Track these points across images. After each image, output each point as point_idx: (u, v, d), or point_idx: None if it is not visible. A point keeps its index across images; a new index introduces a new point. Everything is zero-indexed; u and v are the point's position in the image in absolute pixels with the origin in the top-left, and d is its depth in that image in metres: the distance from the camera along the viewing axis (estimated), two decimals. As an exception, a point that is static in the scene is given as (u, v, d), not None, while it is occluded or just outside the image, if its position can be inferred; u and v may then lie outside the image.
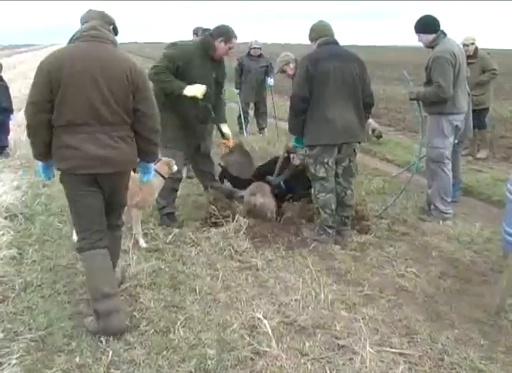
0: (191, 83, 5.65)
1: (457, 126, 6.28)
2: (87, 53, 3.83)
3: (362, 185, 7.66)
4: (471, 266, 5.13)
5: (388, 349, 3.71)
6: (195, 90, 5.64)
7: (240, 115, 11.64)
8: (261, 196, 6.10)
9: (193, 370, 3.52)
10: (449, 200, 6.37)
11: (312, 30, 5.65)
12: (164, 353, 3.69)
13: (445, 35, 6.17)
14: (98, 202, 4.00)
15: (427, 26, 6.20)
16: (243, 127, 11.51)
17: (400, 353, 3.66)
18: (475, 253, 5.42)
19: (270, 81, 11.35)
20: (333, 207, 5.58)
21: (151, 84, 4.56)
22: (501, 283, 4.30)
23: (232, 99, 12.36)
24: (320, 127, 5.38)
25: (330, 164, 5.47)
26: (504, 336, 3.91)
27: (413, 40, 6.43)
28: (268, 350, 3.65)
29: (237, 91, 11.65)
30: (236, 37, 5.97)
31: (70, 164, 3.82)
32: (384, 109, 16.37)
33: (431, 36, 6.15)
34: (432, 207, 6.41)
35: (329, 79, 5.32)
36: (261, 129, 11.66)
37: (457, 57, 6.00)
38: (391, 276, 4.90)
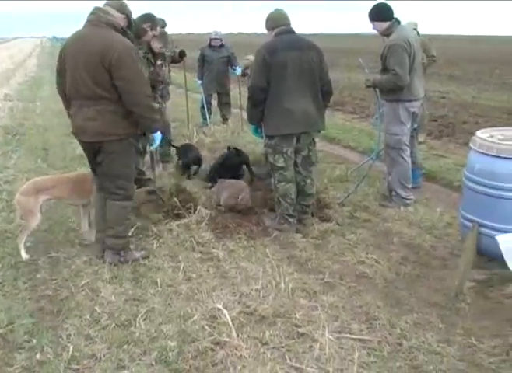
0: None
1: (413, 112, 6.33)
2: (78, 36, 4.58)
3: (325, 173, 7.67)
4: (432, 251, 5.18)
5: (348, 335, 3.74)
6: None
7: (203, 106, 11.56)
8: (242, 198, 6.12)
9: (154, 362, 3.52)
10: (409, 186, 6.43)
11: (268, 19, 5.60)
12: (125, 346, 3.69)
13: (399, 23, 6.20)
14: (93, 162, 4.83)
15: (381, 13, 6.21)
16: (207, 117, 11.44)
17: (359, 339, 3.70)
18: (435, 238, 5.48)
19: (238, 70, 11.24)
20: (293, 196, 5.59)
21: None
22: (459, 266, 4.35)
23: (195, 90, 12.34)
24: (278, 117, 5.37)
25: (289, 153, 5.47)
26: (462, 319, 3.96)
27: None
28: (228, 340, 3.65)
29: (200, 82, 11.57)
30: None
31: (72, 129, 4.80)
32: (349, 97, 16.44)
33: (385, 24, 6.17)
34: (393, 193, 6.46)
35: (287, 69, 5.29)
36: (224, 120, 11.60)
37: (411, 44, 6.03)
38: (351, 263, 4.93)
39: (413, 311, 4.08)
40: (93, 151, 4.76)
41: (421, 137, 10.03)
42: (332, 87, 5.72)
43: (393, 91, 6.14)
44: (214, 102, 12.07)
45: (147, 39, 6.03)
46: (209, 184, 7.11)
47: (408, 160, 6.39)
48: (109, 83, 4.43)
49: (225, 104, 11.73)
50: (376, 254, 5.06)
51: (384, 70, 6.18)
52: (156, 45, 6.32)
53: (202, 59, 11.33)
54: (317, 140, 5.84)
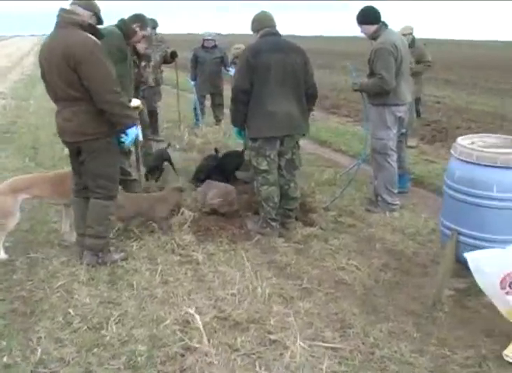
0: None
1: (400, 117, 6.28)
2: (48, 40, 4.60)
3: (313, 176, 7.62)
4: (414, 258, 5.12)
5: (320, 343, 3.68)
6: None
7: (195, 107, 11.50)
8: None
9: (122, 367, 3.48)
10: (395, 191, 6.38)
11: (254, 21, 5.56)
12: (95, 350, 3.64)
13: (386, 26, 6.16)
14: (75, 162, 4.85)
15: (368, 17, 6.17)
16: (200, 118, 11.38)
17: (331, 348, 3.64)
18: (418, 245, 5.42)
19: (231, 71, 11.17)
20: (276, 199, 5.54)
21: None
22: (438, 274, 4.30)
23: (190, 91, 12.28)
24: (261, 119, 5.32)
25: (272, 157, 5.42)
26: (438, 328, 3.90)
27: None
28: (198, 346, 3.61)
29: (193, 82, 11.52)
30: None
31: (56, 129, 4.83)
32: (344, 100, 16.39)
33: (373, 27, 6.13)
34: (379, 198, 6.40)
35: (270, 71, 5.24)
36: (217, 121, 11.54)
37: (398, 48, 5.98)
38: (331, 269, 4.87)
39: (389, 319, 4.03)
40: (75, 151, 4.80)
41: (413, 142, 10.02)
42: (317, 90, 5.67)
43: (379, 95, 6.10)
44: (207, 103, 12.00)
45: (136, 39, 5.94)
46: (195, 185, 7.05)
47: (395, 165, 6.34)
48: (78, 83, 4.43)
49: (218, 105, 11.68)
50: (357, 260, 5.00)
51: (372, 74, 6.13)
52: (142, 46, 6.25)
53: (195, 60, 11.28)
54: (308, 143, 5.78)
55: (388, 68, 5.92)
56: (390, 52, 5.92)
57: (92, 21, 4.66)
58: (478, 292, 4.26)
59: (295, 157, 5.59)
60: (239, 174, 7.33)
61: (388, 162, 6.28)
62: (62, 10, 4.55)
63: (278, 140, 5.39)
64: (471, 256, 3.31)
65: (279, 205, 5.63)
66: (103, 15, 4.80)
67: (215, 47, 11.22)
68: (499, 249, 3.24)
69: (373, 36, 6.18)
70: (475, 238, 4.10)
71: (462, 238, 4.17)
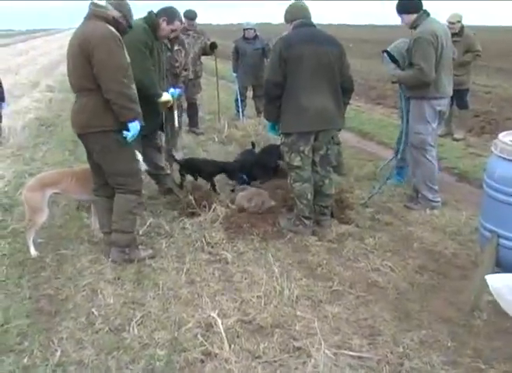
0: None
1: (440, 111, 6.00)
2: (74, 32, 4.63)
3: (353, 171, 7.41)
4: (453, 260, 4.87)
5: (346, 351, 3.50)
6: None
7: (237, 98, 11.38)
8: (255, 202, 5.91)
9: (141, 371, 3.40)
10: (436, 187, 6.11)
11: (287, 12, 5.36)
12: (115, 353, 3.57)
13: (428, 15, 5.87)
14: (90, 158, 4.84)
15: (409, 6, 5.90)
16: (240, 110, 11.26)
17: (358, 357, 3.46)
18: (458, 245, 5.16)
19: None
20: (309, 196, 5.35)
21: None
22: (475, 279, 4.05)
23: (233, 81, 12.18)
24: (295, 113, 5.13)
25: (306, 152, 5.23)
26: (474, 338, 3.66)
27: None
28: (219, 352, 3.48)
29: (235, 74, 11.40)
30: (180, 21, 5.84)
31: None
32: (391, 90, 16.00)
33: (413, 17, 5.87)
34: (419, 195, 6.15)
35: (303, 63, 5.04)
36: (259, 113, 11.37)
37: (439, 38, 5.69)
38: (364, 270, 4.67)
39: (422, 326, 3.81)
40: (86, 146, 4.79)
41: (460, 134, 9.70)
42: (353, 84, 5.45)
43: (418, 87, 5.83)
44: (249, 95, 11.87)
45: (164, 33, 5.80)
46: (231, 181, 6.92)
47: (434, 161, 6.08)
48: (90, 72, 4.40)
49: (260, 97, 11.47)
50: (392, 261, 4.78)
51: (411, 65, 5.86)
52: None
53: (236, 52, 11.16)
54: (351, 135, 5.56)
55: (427, 59, 5.64)
56: (429, 42, 5.64)
57: (122, 21, 4.64)
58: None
59: (330, 152, 5.39)
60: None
61: (426, 158, 6.01)
62: (91, 3, 4.55)
63: (312, 135, 5.19)
64: (491, 284, 3.10)
65: (313, 202, 5.44)
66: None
67: (256, 37, 11.04)
68: None
69: (413, 26, 5.91)
70: (516, 241, 3.85)
71: (502, 241, 3.91)
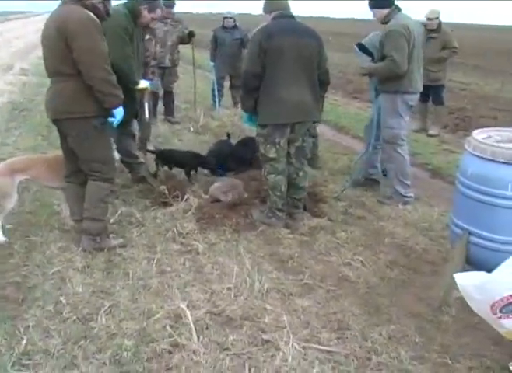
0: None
1: (411, 105, 6.07)
2: (49, 16, 4.54)
3: (328, 164, 7.42)
4: (423, 255, 4.90)
5: (315, 345, 3.48)
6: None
7: (213, 88, 11.31)
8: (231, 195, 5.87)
9: (107, 361, 3.33)
10: (408, 182, 6.14)
11: (267, 2, 5.32)
12: (82, 342, 3.50)
13: (399, 10, 5.92)
14: (63, 143, 4.75)
15: (381, 1, 5.94)
16: (216, 100, 11.20)
17: (327, 351, 3.44)
18: (430, 241, 5.19)
19: None
20: (283, 189, 5.33)
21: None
22: (445, 275, 4.06)
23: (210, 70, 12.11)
24: (272, 105, 5.09)
25: (281, 144, 5.20)
26: (441, 334, 3.68)
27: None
28: (187, 343, 3.45)
29: (212, 64, 11.34)
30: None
31: None
32: (368, 85, 16.01)
33: (385, 11, 5.90)
34: (392, 190, 6.17)
35: (283, 55, 5.00)
36: (235, 103, 11.34)
37: (411, 31, 5.73)
38: (335, 264, 4.66)
39: (391, 321, 3.81)
40: (59, 131, 4.72)
41: (434, 130, 9.76)
42: (329, 77, 5.44)
43: (391, 81, 5.85)
44: (226, 85, 11.81)
45: (144, 21, 5.77)
46: (206, 172, 6.89)
47: (406, 155, 6.11)
48: (69, 58, 4.31)
49: (237, 87, 11.39)
50: (363, 255, 4.79)
51: (382, 58, 5.87)
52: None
53: (215, 41, 11.09)
54: (327, 129, 5.55)
55: (399, 50, 5.67)
56: (401, 34, 5.68)
57: (100, 7, 4.54)
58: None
59: (305, 145, 5.37)
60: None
61: (399, 152, 6.04)
62: None
63: (288, 127, 5.17)
64: (460, 283, 3.12)
65: (287, 194, 5.43)
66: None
67: (235, 27, 11.00)
68: (486, 274, 3.04)
69: (385, 20, 5.94)
70: (486, 239, 3.88)
71: (473, 238, 3.95)
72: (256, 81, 5.10)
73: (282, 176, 5.30)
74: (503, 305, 2.89)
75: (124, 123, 5.05)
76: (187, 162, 6.67)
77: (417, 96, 6.16)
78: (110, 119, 4.54)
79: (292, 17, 5.30)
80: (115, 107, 4.53)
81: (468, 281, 3.05)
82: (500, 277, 2.94)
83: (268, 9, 5.31)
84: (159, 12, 5.85)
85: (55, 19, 4.39)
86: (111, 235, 4.96)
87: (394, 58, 5.65)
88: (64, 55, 4.31)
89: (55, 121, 4.63)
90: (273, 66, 5.02)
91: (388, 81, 5.89)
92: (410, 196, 6.14)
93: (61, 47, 4.29)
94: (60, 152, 4.96)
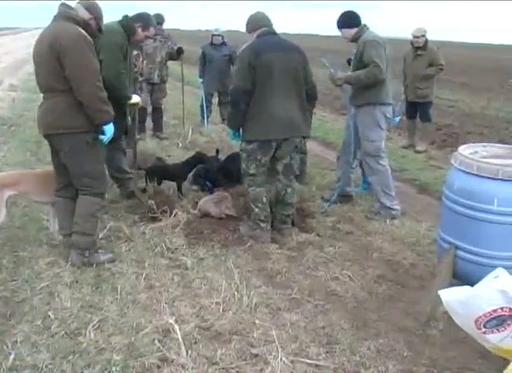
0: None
1: (388, 117, 6.14)
2: (42, 32, 4.60)
3: (315, 180, 7.45)
4: (411, 270, 4.92)
5: (303, 359, 3.49)
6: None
7: (202, 104, 11.36)
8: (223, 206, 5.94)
9: (96, 376, 3.32)
10: (393, 193, 6.19)
11: (250, 21, 5.39)
12: (70, 357, 3.49)
13: (368, 28, 6.03)
14: (55, 159, 4.79)
15: (350, 21, 6.03)
16: (205, 116, 11.24)
17: (315, 365, 3.45)
18: (417, 256, 5.22)
19: None
20: (264, 200, 5.36)
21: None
22: (432, 290, 4.09)
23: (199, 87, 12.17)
24: (260, 122, 5.12)
25: (262, 161, 5.24)
26: (429, 347, 3.70)
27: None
28: (175, 357, 3.45)
29: (201, 80, 11.40)
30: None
31: None
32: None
33: (353, 31, 5.99)
34: (378, 204, 6.21)
35: (272, 71, 5.04)
36: (223, 119, 11.37)
37: (384, 46, 5.86)
38: (323, 279, 4.68)
39: (379, 335, 3.83)
40: (51, 146, 4.77)
41: (422, 146, 9.85)
42: (317, 91, 5.52)
43: (370, 92, 5.90)
44: (215, 101, 11.85)
45: (138, 38, 5.91)
46: (195, 188, 6.91)
47: (388, 167, 6.18)
48: (61, 74, 4.37)
49: (225, 103, 11.46)
50: (351, 270, 4.81)
51: (358, 68, 5.92)
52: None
53: (203, 57, 11.16)
54: (315, 145, 5.59)
55: (381, 58, 5.75)
56: (379, 43, 5.80)
57: (92, 24, 4.65)
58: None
59: (293, 162, 5.41)
60: None
61: (382, 165, 6.10)
62: (62, 4, 4.57)
63: (273, 144, 5.20)
64: (444, 299, 3.15)
65: (275, 210, 5.47)
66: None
67: (223, 44, 11.07)
68: (469, 289, 3.07)
69: (354, 38, 6.02)
70: (473, 253, 3.93)
71: (460, 252, 3.99)
72: (247, 98, 5.12)
73: (263, 188, 5.35)
74: (486, 320, 2.91)
75: (115, 138, 5.10)
76: (178, 174, 6.69)
77: (391, 108, 6.21)
78: (100, 136, 4.59)
79: (275, 34, 5.38)
80: (105, 124, 4.57)
81: (452, 297, 3.07)
82: (482, 291, 2.97)
83: (251, 28, 5.38)
84: (152, 30, 5.96)
85: (47, 35, 4.45)
86: (100, 251, 4.95)
87: (378, 64, 5.71)
88: (57, 71, 4.37)
89: (47, 136, 4.67)
90: (262, 83, 5.06)
91: (366, 92, 5.93)
92: (396, 209, 6.18)
93: (53, 64, 4.35)
94: (49, 167, 4.97)
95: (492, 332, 2.95)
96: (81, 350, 3.57)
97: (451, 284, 4.04)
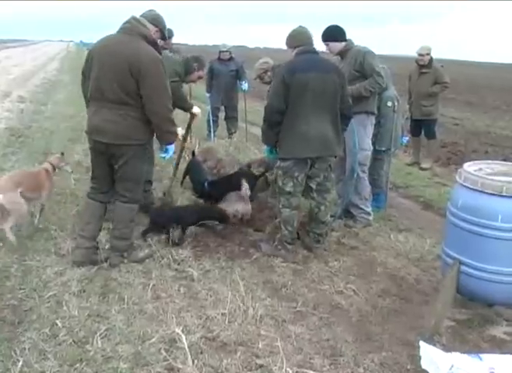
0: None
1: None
2: (109, 41, 4.73)
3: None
4: (415, 285, 4.97)
5: (308, 371, 3.53)
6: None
7: (209, 119, 11.44)
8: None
9: (103, 384, 3.36)
10: (369, 198, 6.38)
11: (290, 37, 5.40)
12: (77, 365, 3.54)
13: (353, 43, 6.13)
14: (102, 165, 4.91)
15: (338, 34, 6.09)
16: (211, 130, 11.31)
17: (319, 376, 3.50)
18: (421, 271, 5.26)
19: (244, 85, 11.22)
20: (295, 224, 5.42)
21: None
22: (436, 305, 4.14)
23: (206, 102, 12.25)
24: (294, 139, 5.14)
25: (299, 179, 5.26)
26: (433, 361, 3.74)
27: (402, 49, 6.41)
28: (181, 366, 3.49)
29: (208, 95, 11.50)
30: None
31: (87, 128, 4.87)
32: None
33: (340, 45, 6.06)
34: (358, 211, 6.34)
35: (306, 90, 5.06)
36: (230, 134, 11.46)
37: None
38: (328, 292, 4.73)
39: (383, 349, 3.87)
40: (105, 154, 4.84)
41: (427, 164, 9.90)
42: (352, 111, 5.48)
43: (365, 101, 6.01)
44: (221, 115, 11.93)
45: (193, 77, 6.52)
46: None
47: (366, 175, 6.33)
48: (135, 91, 4.57)
49: (231, 118, 11.62)
50: (356, 284, 4.86)
51: (356, 80, 5.99)
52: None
53: (211, 72, 11.25)
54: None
55: (380, 68, 5.90)
56: (375, 54, 5.98)
57: (156, 36, 4.88)
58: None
59: (327, 180, 5.43)
60: None
61: (364, 172, 6.24)
62: (134, 19, 4.74)
63: (309, 162, 5.23)
64: (423, 345, 3.27)
65: (308, 229, 5.57)
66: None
67: (231, 59, 11.19)
68: (442, 353, 3.18)
69: (342, 52, 6.10)
70: (477, 268, 3.98)
71: (464, 268, 4.04)
72: (279, 117, 5.16)
73: (297, 211, 5.42)
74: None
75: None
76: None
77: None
78: (162, 154, 4.90)
79: (316, 52, 5.39)
80: (170, 143, 4.90)
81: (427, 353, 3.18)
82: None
83: (291, 44, 5.40)
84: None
85: (124, 50, 4.57)
86: (138, 248, 5.30)
87: (381, 73, 5.83)
88: (131, 88, 4.56)
89: (110, 145, 4.72)
90: (296, 101, 5.09)
91: (363, 100, 6.01)
92: (370, 212, 6.37)
93: (129, 80, 4.54)
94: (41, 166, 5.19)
95: None
96: (88, 358, 3.61)
97: (455, 299, 4.11)
